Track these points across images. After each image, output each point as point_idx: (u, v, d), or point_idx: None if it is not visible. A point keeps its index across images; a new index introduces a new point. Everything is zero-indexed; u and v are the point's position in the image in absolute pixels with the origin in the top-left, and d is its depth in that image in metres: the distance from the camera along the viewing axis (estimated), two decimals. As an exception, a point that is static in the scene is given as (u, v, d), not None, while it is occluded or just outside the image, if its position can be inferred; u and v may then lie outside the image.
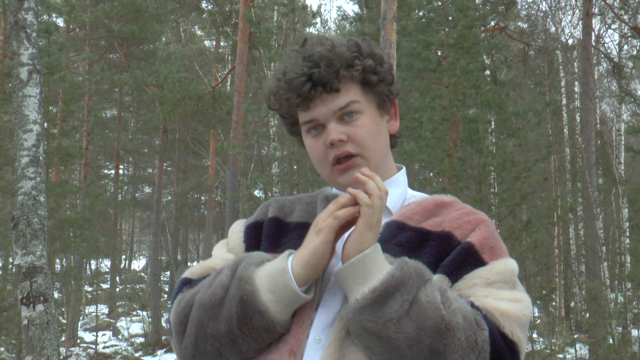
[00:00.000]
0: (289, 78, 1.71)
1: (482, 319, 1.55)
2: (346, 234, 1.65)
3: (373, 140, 1.75)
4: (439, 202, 1.80)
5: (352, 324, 1.55)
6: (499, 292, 1.64)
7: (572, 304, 22.95)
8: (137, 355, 20.91)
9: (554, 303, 20.00)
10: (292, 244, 1.75)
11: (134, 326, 26.03)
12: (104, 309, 30.21)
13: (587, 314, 17.56)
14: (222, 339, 1.63)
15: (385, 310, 1.51)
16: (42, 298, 5.50)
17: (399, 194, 1.84)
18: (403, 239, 1.70)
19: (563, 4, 25.27)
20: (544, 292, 13.38)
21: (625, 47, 23.48)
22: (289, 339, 1.63)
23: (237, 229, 1.92)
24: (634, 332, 15.46)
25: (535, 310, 17.74)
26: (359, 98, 1.73)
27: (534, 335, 14.68)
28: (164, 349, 21.60)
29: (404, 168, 1.92)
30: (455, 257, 1.67)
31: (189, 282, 1.79)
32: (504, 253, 1.72)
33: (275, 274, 1.62)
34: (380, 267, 1.56)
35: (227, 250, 1.88)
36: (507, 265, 1.69)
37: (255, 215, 1.93)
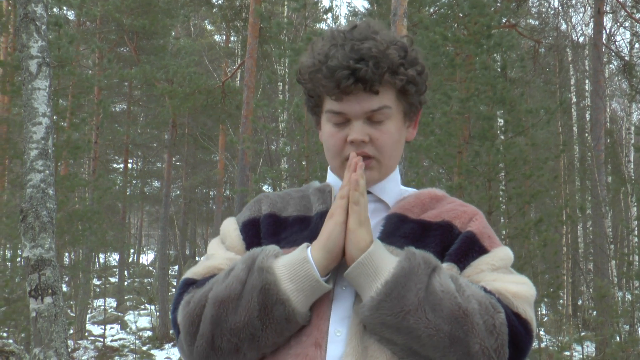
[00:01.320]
0: (332, 65, 1.67)
1: (497, 302, 1.57)
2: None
3: (392, 148, 1.75)
4: (433, 196, 1.83)
5: (370, 321, 1.56)
6: (505, 276, 1.68)
7: (580, 302, 22.92)
8: (144, 348, 20.99)
9: (561, 301, 19.97)
10: (294, 238, 1.75)
11: (142, 320, 26.09)
12: (112, 302, 30.28)
13: (595, 312, 17.52)
14: (241, 333, 1.61)
15: (402, 302, 1.52)
16: (50, 290, 5.52)
17: (396, 190, 1.85)
18: (407, 230, 1.71)
19: (574, 2, 25.20)
20: (552, 289, 13.34)
21: (637, 45, 23.41)
22: (312, 332, 1.62)
23: (232, 227, 1.88)
24: (642, 331, 15.42)
25: (543, 307, 17.72)
26: (392, 104, 1.72)
27: (541, 333, 14.65)
28: (172, 343, 21.66)
29: (398, 164, 1.92)
30: (460, 246, 1.69)
31: (193, 283, 1.76)
32: (499, 242, 1.76)
33: (296, 264, 1.62)
34: (388, 261, 1.57)
35: (225, 249, 1.85)
36: (506, 252, 1.74)
37: (247, 212, 1.91)
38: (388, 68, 1.67)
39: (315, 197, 1.85)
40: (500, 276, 1.67)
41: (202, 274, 1.78)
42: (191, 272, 1.81)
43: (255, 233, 1.84)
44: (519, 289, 1.64)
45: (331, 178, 1.89)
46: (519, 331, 1.58)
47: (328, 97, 1.73)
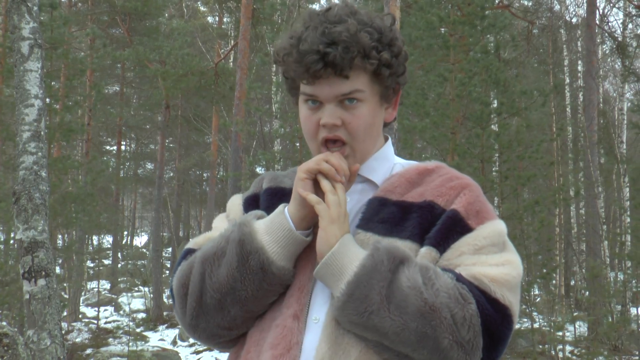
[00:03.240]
0: (302, 49, 1.65)
1: (467, 292, 1.54)
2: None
3: (366, 132, 1.72)
4: (422, 170, 1.78)
5: (340, 319, 1.57)
6: (487, 257, 1.63)
7: (572, 283, 23.04)
8: (138, 330, 21.00)
9: (554, 281, 20.05)
10: None
11: (136, 302, 26.13)
12: (105, 284, 30.33)
13: (587, 293, 17.61)
14: (223, 288, 1.66)
15: (366, 301, 1.52)
16: (43, 273, 5.52)
17: (386, 167, 1.82)
18: (385, 215, 1.69)
19: (568, -18, 25.13)
20: (545, 270, 13.39)
21: (630, 26, 23.39)
22: (292, 304, 1.65)
23: (236, 202, 1.94)
24: (633, 311, 15.54)
25: (536, 288, 17.79)
26: (365, 87, 1.70)
27: (534, 313, 14.72)
28: (166, 325, 21.71)
29: (390, 139, 1.89)
30: (441, 227, 1.65)
31: (192, 252, 1.80)
32: (491, 215, 1.71)
33: (272, 218, 1.69)
34: (353, 259, 1.57)
35: (227, 222, 1.87)
36: (494, 227, 1.68)
37: (251, 188, 1.96)
38: (358, 52, 1.65)
39: None
40: (481, 258, 1.62)
41: (201, 243, 1.82)
42: (192, 242, 1.87)
43: (256, 207, 1.86)
44: (499, 272, 1.60)
45: None
46: (493, 320, 1.55)
47: (302, 81, 1.72)
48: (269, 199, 1.85)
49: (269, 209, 1.79)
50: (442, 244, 1.64)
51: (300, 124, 1.81)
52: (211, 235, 1.83)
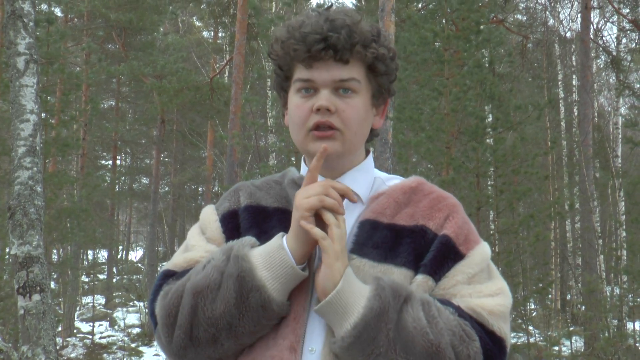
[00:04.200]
0: (305, 31, 1.67)
1: (470, 329, 1.57)
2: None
3: (357, 124, 1.72)
4: (407, 189, 1.78)
5: (342, 357, 1.56)
6: (481, 287, 1.67)
7: (568, 297, 23.01)
8: (133, 345, 20.93)
9: (550, 296, 20.05)
10: (276, 230, 1.73)
11: (131, 317, 26.03)
12: (100, 299, 30.19)
13: (583, 307, 17.59)
14: (218, 323, 1.62)
15: (373, 344, 1.52)
16: (38, 288, 5.49)
17: (368, 180, 1.81)
18: (379, 239, 1.68)
19: (562, -3, 25.25)
20: (540, 285, 13.39)
21: (624, 40, 23.49)
22: (287, 335, 1.63)
23: (212, 218, 1.87)
24: (630, 326, 15.50)
25: (532, 302, 17.78)
26: (361, 79, 1.72)
27: (530, 328, 14.70)
28: (161, 340, 21.62)
29: (371, 151, 1.90)
30: (435, 255, 1.67)
31: (172, 275, 1.77)
32: (477, 238, 1.74)
33: (271, 252, 1.63)
34: (358, 298, 1.56)
35: (206, 240, 1.84)
36: (482, 253, 1.71)
37: (226, 203, 1.89)
38: (360, 40, 1.68)
39: (292, 190, 1.83)
40: (476, 288, 1.66)
41: (182, 266, 1.78)
42: (171, 264, 1.81)
43: (236, 226, 1.82)
44: (495, 303, 1.63)
45: (305, 170, 1.85)
46: (492, 353, 1.59)
47: (298, 66, 1.72)
48: (251, 219, 1.81)
49: (251, 229, 1.78)
50: (438, 272, 1.66)
51: (288, 118, 1.79)
52: (192, 256, 1.79)
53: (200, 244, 1.83)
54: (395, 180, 1.84)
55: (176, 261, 1.80)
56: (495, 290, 1.67)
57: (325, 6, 1.79)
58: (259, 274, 1.60)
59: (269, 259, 1.62)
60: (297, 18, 1.76)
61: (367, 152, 1.87)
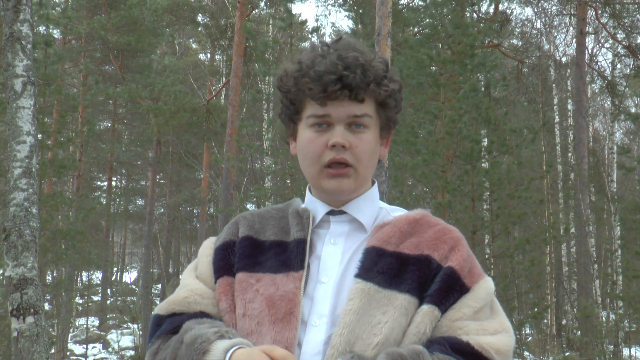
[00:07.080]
0: (320, 70, 1.68)
1: None
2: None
3: (369, 158, 1.75)
4: (411, 220, 1.80)
5: None
6: (486, 323, 1.69)
7: (564, 322, 22.96)
8: (127, 368, 20.83)
9: (545, 320, 20.00)
10: (270, 264, 1.75)
11: (125, 339, 25.92)
12: (94, 321, 30.09)
13: (579, 332, 17.56)
14: None
15: None
16: (32, 310, 5.48)
17: (373, 209, 1.83)
18: (384, 265, 1.69)
19: (557, 23, 25.42)
20: (536, 309, 13.37)
21: (619, 65, 23.63)
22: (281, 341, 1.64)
23: (206, 252, 1.88)
24: (626, 351, 15.47)
25: (527, 327, 17.73)
26: (372, 114, 1.74)
27: (525, 353, 14.66)
28: (155, 362, 21.50)
29: (376, 182, 1.91)
30: (441, 286, 1.68)
31: (160, 319, 1.79)
32: (480, 271, 1.76)
33: None
34: None
35: (195, 276, 1.85)
36: (486, 287, 1.73)
37: (224, 234, 1.90)
38: (374, 78, 1.69)
39: (294, 220, 1.83)
40: (483, 325, 1.67)
41: (165, 309, 1.80)
42: (159, 308, 1.83)
43: (227, 257, 1.82)
44: (501, 343, 1.65)
45: (309, 200, 1.86)
46: None
47: (311, 103, 1.73)
48: (247, 249, 1.82)
49: (245, 258, 1.79)
50: (444, 302, 1.67)
51: (298, 150, 1.79)
52: (174, 299, 1.80)
53: (187, 281, 1.84)
54: (399, 212, 1.86)
55: (162, 305, 1.82)
56: (500, 328, 1.69)
57: (334, 39, 1.79)
58: None
59: None
60: (306, 52, 1.77)
61: (373, 182, 1.89)
